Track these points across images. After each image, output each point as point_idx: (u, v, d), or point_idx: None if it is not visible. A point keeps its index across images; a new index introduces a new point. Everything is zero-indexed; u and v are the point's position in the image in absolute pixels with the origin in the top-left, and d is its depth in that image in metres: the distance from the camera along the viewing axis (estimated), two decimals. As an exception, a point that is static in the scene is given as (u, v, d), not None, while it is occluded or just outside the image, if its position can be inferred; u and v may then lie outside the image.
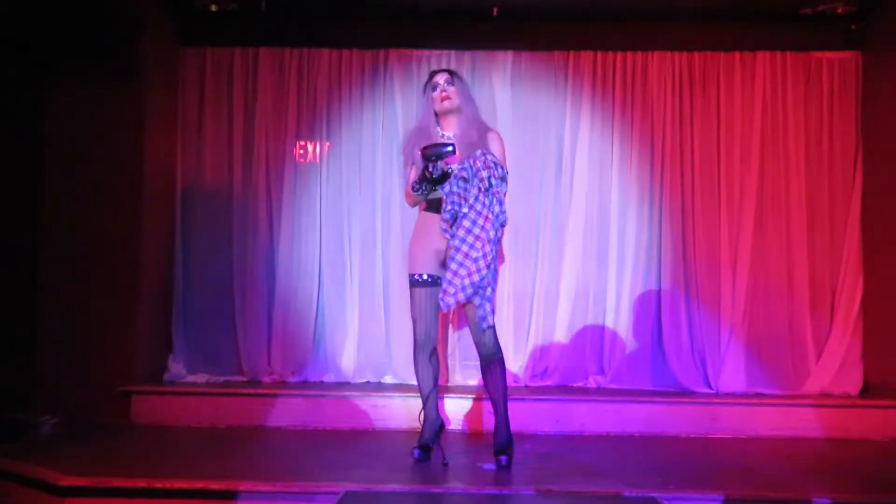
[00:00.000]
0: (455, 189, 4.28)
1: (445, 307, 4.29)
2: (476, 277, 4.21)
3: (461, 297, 4.23)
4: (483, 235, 4.22)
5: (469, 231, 4.23)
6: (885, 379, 5.80)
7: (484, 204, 4.25)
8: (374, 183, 6.25)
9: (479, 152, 4.34)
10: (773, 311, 6.08)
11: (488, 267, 4.25)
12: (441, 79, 4.56)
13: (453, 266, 4.24)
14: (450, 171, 4.31)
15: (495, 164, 4.33)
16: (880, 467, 4.74)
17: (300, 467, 4.34)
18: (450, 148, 4.27)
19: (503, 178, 4.34)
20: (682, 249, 6.15)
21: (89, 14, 5.63)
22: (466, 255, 4.22)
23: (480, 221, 4.23)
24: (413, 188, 4.47)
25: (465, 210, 4.24)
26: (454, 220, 4.27)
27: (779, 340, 6.05)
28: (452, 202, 4.28)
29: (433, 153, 4.28)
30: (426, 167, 4.32)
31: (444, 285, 4.27)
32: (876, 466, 4.77)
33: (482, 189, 4.25)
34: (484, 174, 4.26)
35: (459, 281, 4.22)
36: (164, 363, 6.03)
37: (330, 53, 6.30)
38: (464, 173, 4.27)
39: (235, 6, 6.10)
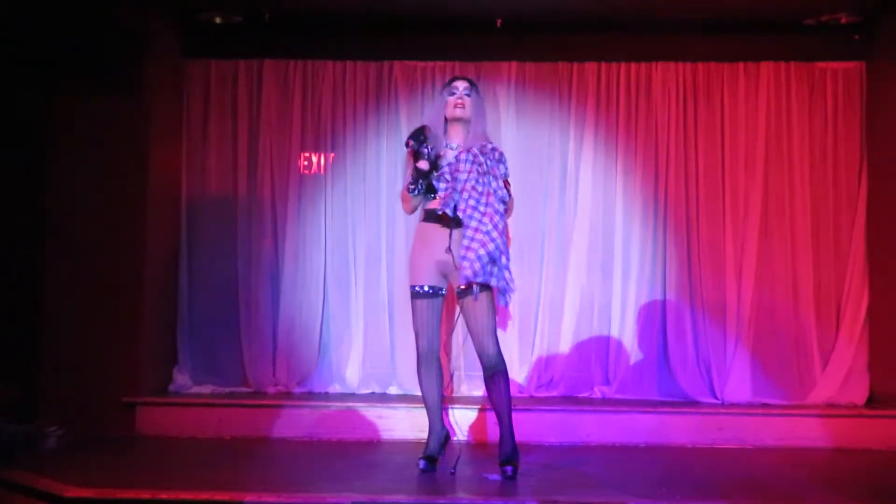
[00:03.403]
0: (455, 166, 4.38)
1: (464, 280, 4.31)
2: (491, 247, 4.28)
3: (477, 266, 4.26)
4: (489, 210, 4.32)
5: (475, 208, 4.32)
6: (891, 389, 5.78)
7: (482, 183, 4.36)
8: (379, 194, 6.25)
9: (478, 144, 4.42)
10: (778, 321, 6.07)
11: (501, 235, 4.33)
12: (461, 86, 4.58)
13: (465, 241, 4.30)
14: (439, 156, 4.42)
15: (493, 149, 4.43)
16: (886, 477, 4.73)
17: (305, 478, 4.34)
18: (423, 130, 4.43)
19: (500, 160, 4.44)
20: (687, 260, 6.15)
21: (94, 27, 5.64)
22: (476, 230, 4.30)
23: (483, 199, 4.34)
24: (408, 189, 4.50)
25: (465, 195, 4.32)
26: (450, 202, 4.35)
27: (784, 350, 6.04)
28: (448, 187, 4.37)
29: (415, 137, 4.41)
30: (418, 153, 4.41)
31: (459, 261, 4.30)
32: (882, 476, 4.76)
33: (480, 172, 4.35)
34: (481, 158, 4.37)
35: (474, 253, 4.27)
36: (169, 374, 6.03)
37: (334, 65, 6.32)
38: (462, 156, 4.38)
39: (240, 18, 6.13)
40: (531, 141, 6.26)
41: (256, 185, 6.24)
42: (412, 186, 4.47)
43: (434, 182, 4.42)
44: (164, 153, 6.02)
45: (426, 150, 4.41)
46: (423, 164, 4.42)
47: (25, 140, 5.64)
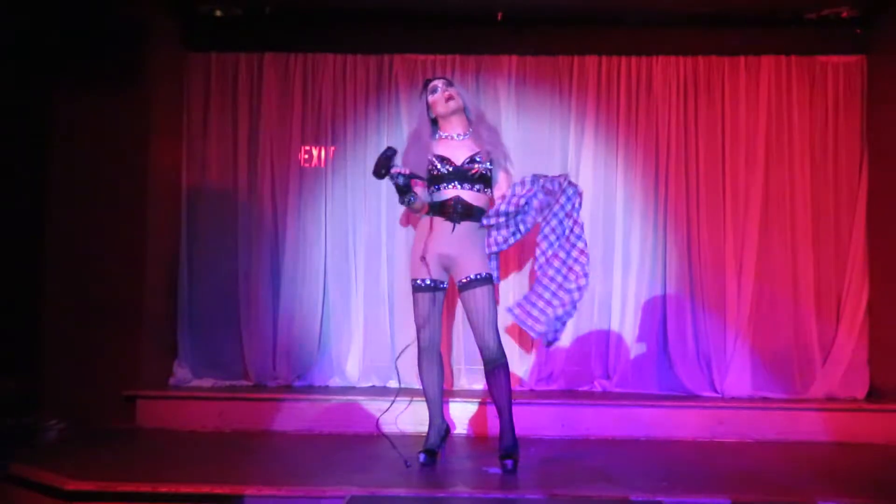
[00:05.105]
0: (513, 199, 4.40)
1: (539, 336, 4.50)
2: (560, 311, 4.40)
3: (542, 329, 4.41)
4: (574, 265, 4.43)
5: (555, 255, 4.44)
6: (892, 383, 5.79)
7: (568, 228, 4.47)
8: (379, 188, 6.22)
9: (555, 178, 4.46)
10: (778, 315, 6.07)
11: (573, 300, 4.43)
12: (440, 84, 4.62)
13: (546, 295, 4.40)
14: (411, 174, 4.40)
15: (569, 183, 4.50)
16: (886, 471, 4.73)
17: (305, 471, 4.34)
18: (388, 152, 4.36)
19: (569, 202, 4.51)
20: (688, 254, 6.14)
21: (94, 20, 5.64)
22: (560, 287, 4.39)
23: (572, 254, 4.43)
24: (401, 202, 4.51)
25: (552, 239, 4.44)
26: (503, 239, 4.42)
27: (784, 345, 6.04)
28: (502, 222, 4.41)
29: (380, 167, 4.34)
30: (391, 180, 4.38)
31: (535, 311, 4.43)
32: (882, 471, 4.76)
33: (565, 214, 4.45)
34: (562, 199, 4.45)
35: (552, 311, 4.39)
36: (170, 368, 6.04)
37: (335, 58, 6.31)
38: (518, 189, 4.42)
39: (240, 11, 6.13)
40: (532, 135, 6.25)
41: (257, 178, 6.24)
42: (400, 199, 4.48)
43: (411, 197, 4.45)
44: (164, 146, 6.02)
45: (397, 176, 4.36)
46: (400, 186, 4.40)
47: (25, 132, 5.63)
